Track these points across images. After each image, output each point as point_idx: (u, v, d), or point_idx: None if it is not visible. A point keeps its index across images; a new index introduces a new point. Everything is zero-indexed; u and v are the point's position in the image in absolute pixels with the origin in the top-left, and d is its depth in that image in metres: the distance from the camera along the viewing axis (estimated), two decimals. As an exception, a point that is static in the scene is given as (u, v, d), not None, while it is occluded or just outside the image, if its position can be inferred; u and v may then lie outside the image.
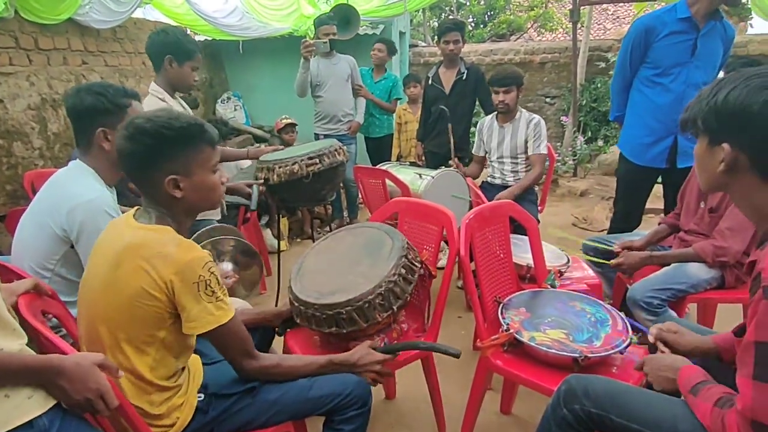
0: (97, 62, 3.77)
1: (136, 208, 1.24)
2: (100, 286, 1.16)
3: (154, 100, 2.16)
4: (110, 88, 1.59)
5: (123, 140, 1.16)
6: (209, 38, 5.21)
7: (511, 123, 2.99)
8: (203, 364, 1.37)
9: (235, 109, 5.60)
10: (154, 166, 1.15)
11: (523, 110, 3.02)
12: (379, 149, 4.52)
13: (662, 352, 1.30)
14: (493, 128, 3.08)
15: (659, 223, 2.31)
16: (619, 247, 2.14)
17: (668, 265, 2.04)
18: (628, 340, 1.49)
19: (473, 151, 3.30)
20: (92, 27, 3.53)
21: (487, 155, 3.20)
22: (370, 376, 1.40)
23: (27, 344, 1.02)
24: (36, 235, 1.48)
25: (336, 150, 2.25)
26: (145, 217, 1.20)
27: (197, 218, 2.25)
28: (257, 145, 3.60)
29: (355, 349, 1.42)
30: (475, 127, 3.25)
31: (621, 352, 1.46)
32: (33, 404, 0.93)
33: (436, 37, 3.90)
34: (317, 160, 2.17)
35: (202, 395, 1.26)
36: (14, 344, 0.93)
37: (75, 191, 1.47)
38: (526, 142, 2.96)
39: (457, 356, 1.41)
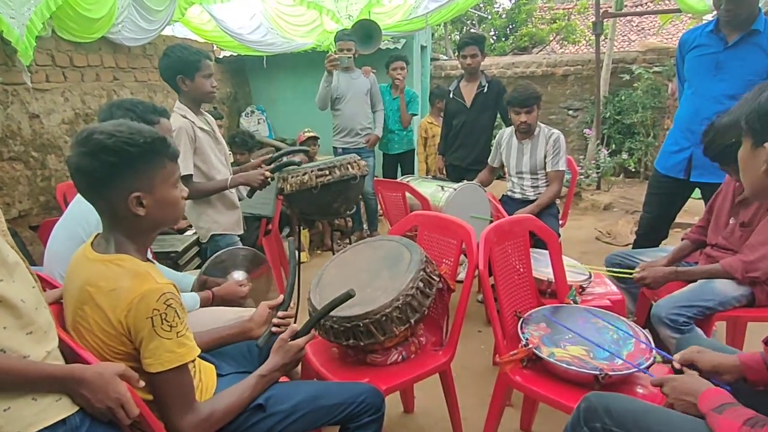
0: (128, 78, 3.91)
1: (96, 234, 1.19)
2: (72, 324, 1.13)
3: (178, 117, 2.18)
4: (140, 105, 1.66)
5: (81, 156, 1.06)
6: (234, 53, 5.34)
7: (530, 140, 2.97)
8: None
9: (259, 123, 5.72)
10: (114, 185, 1.08)
11: (543, 125, 3.00)
12: (397, 166, 4.47)
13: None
14: (512, 144, 3.06)
15: (682, 239, 2.26)
16: (641, 268, 2.10)
17: (694, 281, 2.00)
18: (652, 359, 1.45)
19: (488, 161, 3.29)
20: (123, 44, 3.67)
21: (505, 168, 3.18)
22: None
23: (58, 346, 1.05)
24: (67, 245, 1.53)
25: (350, 163, 2.27)
26: (103, 245, 1.14)
27: (220, 233, 2.33)
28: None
29: (274, 350, 1.33)
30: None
31: (644, 371, 1.43)
32: (61, 406, 0.97)
33: (456, 50, 3.92)
34: (327, 172, 2.20)
35: None
36: (41, 351, 0.96)
37: None
38: (545, 157, 2.94)
39: (351, 296, 1.34)
